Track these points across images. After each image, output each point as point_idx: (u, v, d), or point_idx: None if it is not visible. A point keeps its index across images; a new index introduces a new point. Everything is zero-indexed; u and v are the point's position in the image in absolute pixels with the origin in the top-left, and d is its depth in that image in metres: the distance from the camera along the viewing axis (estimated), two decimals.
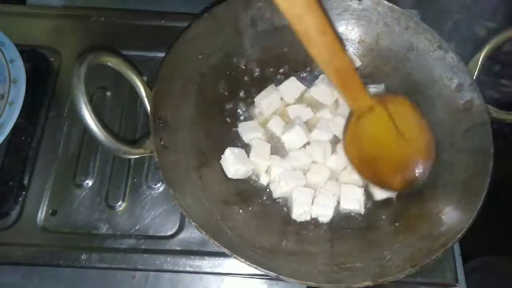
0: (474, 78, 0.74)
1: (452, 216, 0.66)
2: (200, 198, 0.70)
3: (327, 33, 0.59)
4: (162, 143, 0.67)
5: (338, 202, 0.76)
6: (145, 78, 0.71)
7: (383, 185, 0.73)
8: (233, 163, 0.75)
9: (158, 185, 0.80)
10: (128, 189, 0.80)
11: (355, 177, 0.77)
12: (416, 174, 0.72)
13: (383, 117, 0.70)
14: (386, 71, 0.85)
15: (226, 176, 0.76)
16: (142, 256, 0.73)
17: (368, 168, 0.72)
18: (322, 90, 0.85)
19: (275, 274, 0.58)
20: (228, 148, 0.76)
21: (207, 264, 0.73)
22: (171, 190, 0.62)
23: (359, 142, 0.72)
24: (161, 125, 0.68)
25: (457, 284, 0.74)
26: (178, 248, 0.75)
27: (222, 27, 0.79)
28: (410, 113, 0.72)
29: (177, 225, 0.77)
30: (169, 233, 0.76)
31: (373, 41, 0.85)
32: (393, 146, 0.72)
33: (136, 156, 0.66)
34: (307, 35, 0.59)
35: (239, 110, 0.85)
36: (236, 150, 0.76)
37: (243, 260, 0.59)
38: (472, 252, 1.01)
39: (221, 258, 0.74)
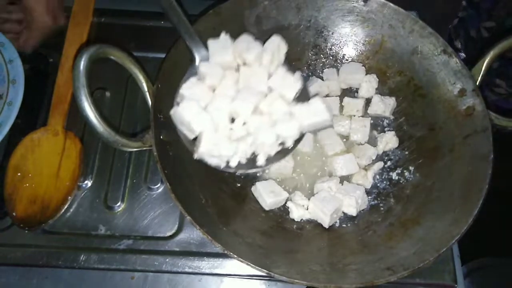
0: (477, 83, 0.73)
1: (448, 221, 0.66)
2: (197, 193, 0.70)
3: None
4: (161, 137, 0.67)
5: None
6: None
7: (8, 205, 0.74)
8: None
9: (157, 186, 0.80)
10: (127, 190, 0.80)
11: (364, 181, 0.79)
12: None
13: (59, 146, 0.78)
14: (390, 73, 0.85)
15: (224, 172, 0.76)
16: (141, 257, 0.74)
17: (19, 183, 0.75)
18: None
19: (267, 271, 0.59)
20: None
21: (206, 265, 0.74)
22: (168, 184, 0.62)
23: (30, 153, 0.77)
24: (161, 119, 0.68)
25: (456, 285, 0.74)
26: (177, 249, 0.75)
27: (227, 25, 0.77)
28: (75, 158, 0.78)
29: (176, 226, 0.77)
30: (168, 234, 0.77)
31: (377, 44, 0.84)
32: (45, 177, 0.76)
33: (135, 149, 0.66)
34: None
35: None
36: None
37: (235, 256, 0.59)
38: (471, 253, 1.01)
39: (220, 259, 0.74)
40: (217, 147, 0.63)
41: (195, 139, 0.66)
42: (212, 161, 0.65)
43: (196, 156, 0.64)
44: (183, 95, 0.66)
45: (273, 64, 0.70)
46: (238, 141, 0.65)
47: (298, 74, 0.69)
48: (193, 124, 0.63)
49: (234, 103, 0.65)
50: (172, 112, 0.65)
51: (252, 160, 0.68)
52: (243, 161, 0.67)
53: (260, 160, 0.67)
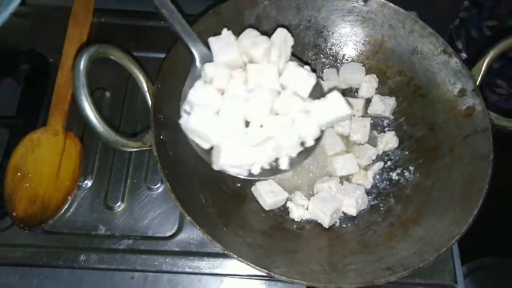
0: (477, 83, 0.73)
1: (448, 221, 0.66)
2: (197, 193, 0.70)
3: None
4: (161, 137, 0.67)
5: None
6: None
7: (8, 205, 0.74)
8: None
9: (157, 185, 0.80)
10: (127, 190, 0.80)
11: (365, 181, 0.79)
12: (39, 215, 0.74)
13: (59, 146, 0.78)
14: (390, 73, 0.85)
15: (224, 173, 0.76)
16: (141, 257, 0.74)
17: (19, 182, 0.75)
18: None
19: (267, 271, 0.59)
20: None
21: (206, 265, 0.74)
22: (168, 184, 0.62)
23: (30, 153, 0.77)
24: (161, 119, 0.68)
25: (456, 285, 0.74)
26: (177, 249, 0.75)
27: (227, 25, 0.77)
28: (75, 158, 0.79)
29: (176, 226, 0.77)
30: (168, 234, 0.77)
31: (377, 44, 0.84)
32: (45, 177, 0.76)
33: (135, 149, 0.66)
34: None
35: None
36: None
37: (235, 256, 0.59)
38: (471, 253, 1.01)
39: (220, 259, 0.74)
40: (238, 157, 0.60)
41: (211, 148, 0.64)
42: (234, 171, 0.62)
43: (216, 167, 0.62)
44: (191, 101, 0.62)
45: (281, 59, 0.67)
46: (259, 147, 0.61)
47: (308, 68, 0.66)
48: (209, 134, 0.60)
49: (249, 105, 0.61)
50: (182, 121, 0.63)
51: (274, 165, 0.65)
52: (266, 166, 0.64)
53: (283, 164, 0.64)
